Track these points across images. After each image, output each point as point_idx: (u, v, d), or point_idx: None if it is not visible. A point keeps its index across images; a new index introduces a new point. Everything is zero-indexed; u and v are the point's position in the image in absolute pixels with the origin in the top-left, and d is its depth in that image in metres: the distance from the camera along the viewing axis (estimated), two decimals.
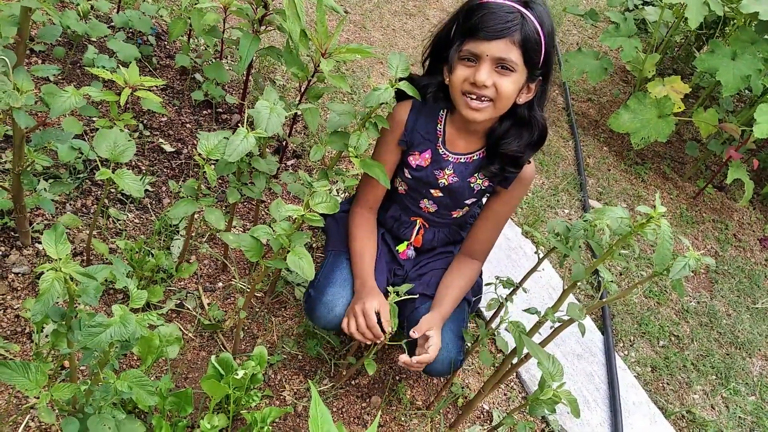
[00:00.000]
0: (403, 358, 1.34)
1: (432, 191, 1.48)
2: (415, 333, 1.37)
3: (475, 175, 1.45)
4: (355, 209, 1.56)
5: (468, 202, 1.51)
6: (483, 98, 1.27)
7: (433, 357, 1.35)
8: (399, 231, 1.58)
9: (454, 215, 1.54)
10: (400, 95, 1.44)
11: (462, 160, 1.43)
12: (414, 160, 1.46)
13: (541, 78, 1.32)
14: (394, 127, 1.44)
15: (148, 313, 0.98)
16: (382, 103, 1.39)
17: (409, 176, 1.49)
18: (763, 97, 2.75)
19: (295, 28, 1.64)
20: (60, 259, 0.94)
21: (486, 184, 1.46)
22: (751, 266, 2.62)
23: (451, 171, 1.44)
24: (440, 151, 1.43)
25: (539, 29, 1.25)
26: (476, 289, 1.63)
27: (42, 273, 0.92)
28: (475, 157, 1.43)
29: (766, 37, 2.67)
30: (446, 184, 1.45)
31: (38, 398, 1.00)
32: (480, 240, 1.54)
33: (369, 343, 1.36)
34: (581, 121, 3.22)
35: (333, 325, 1.42)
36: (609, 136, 3.17)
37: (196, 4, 1.97)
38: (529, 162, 1.44)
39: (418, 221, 1.56)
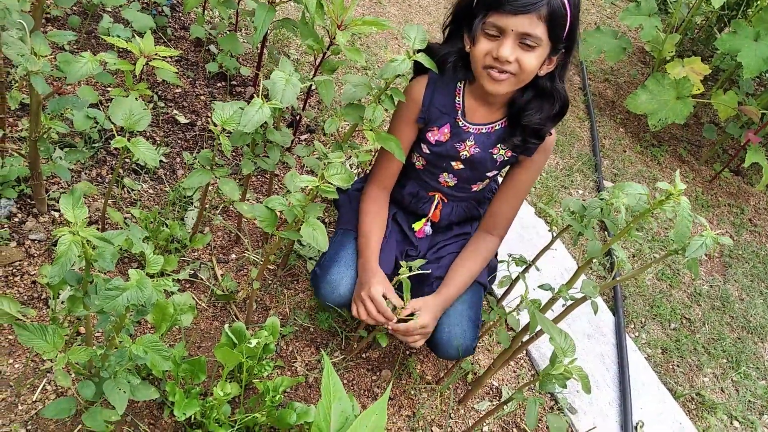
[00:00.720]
0: (391, 324, 1.35)
1: (453, 164, 1.46)
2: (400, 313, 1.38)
3: (498, 145, 1.43)
4: (368, 188, 1.54)
5: (489, 174, 1.49)
6: (504, 71, 1.25)
7: (410, 331, 1.34)
8: (417, 207, 1.56)
9: (474, 189, 1.52)
10: (416, 70, 1.42)
11: (483, 131, 1.42)
12: (433, 136, 1.44)
13: (563, 50, 1.30)
14: (411, 105, 1.42)
15: (164, 279, 0.99)
16: (399, 75, 1.38)
17: (428, 151, 1.47)
18: None
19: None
20: (77, 223, 0.94)
21: (508, 154, 1.44)
22: (766, 251, 2.59)
23: (473, 142, 1.42)
24: (460, 123, 1.41)
25: (566, 2, 1.21)
26: (491, 268, 1.63)
27: (59, 238, 0.92)
28: (497, 127, 1.42)
29: None
30: (468, 155, 1.44)
31: (55, 361, 1.01)
32: (501, 212, 1.51)
33: (381, 326, 1.36)
34: (598, 102, 3.18)
35: (337, 304, 1.43)
36: (625, 117, 3.13)
37: None
38: (551, 133, 1.42)
39: (436, 196, 1.54)
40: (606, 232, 2.34)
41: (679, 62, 2.88)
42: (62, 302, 1.40)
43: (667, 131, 3.13)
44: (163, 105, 2.03)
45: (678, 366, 1.96)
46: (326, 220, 1.93)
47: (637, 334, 2.02)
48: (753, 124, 2.76)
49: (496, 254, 1.67)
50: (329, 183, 1.23)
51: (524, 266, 1.60)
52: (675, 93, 2.76)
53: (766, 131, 2.72)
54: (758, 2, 3.17)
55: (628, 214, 1.20)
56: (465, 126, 1.41)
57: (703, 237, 1.16)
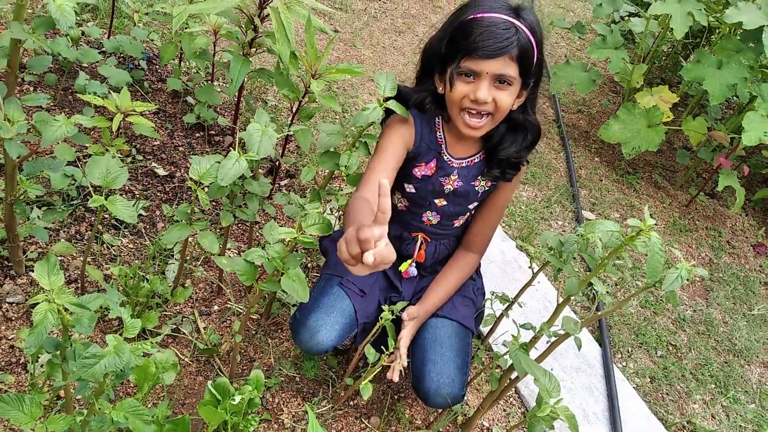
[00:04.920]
0: (392, 376, 1.41)
1: (436, 201, 1.48)
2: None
3: (479, 177, 1.46)
4: (353, 196, 1.48)
5: (471, 206, 1.52)
6: (482, 113, 1.29)
7: (403, 353, 1.43)
8: (401, 248, 1.57)
9: (456, 224, 1.55)
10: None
11: (464, 164, 1.45)
12: (420, 171, 1.45)
13: (532, 83, 1.34)
14: (407, 128, 1.41)
15: (143, 342, 0.98)
16: (372, 123, 1.40)
17: (413, 189, 1.48)
18: (749, 104, 2.78)
19: (285, 51, 1.66)
20: (53, 290, 0.94)
21: (488, 185, 1.49)
22: (746, 273, 2.63)
23: (456, 176, 1.45)
24: (445, 158, 1.44)
25: (532, 40, 1.27)
26: (479, 312, 1.63)
27: (36, 304, 0.92)
28: (476, 160, 1.46)
29: (751, 45, 2.71)
30: (452, 189, 1.46)
31: (33, 431, 0.99)
32: (481, 232, 1.57)
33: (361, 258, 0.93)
34: (572, 133, 3.25)
35: (316, 351, 1.41)
36: (600, 147, 3.20)
37: (186, 28, 1.99)
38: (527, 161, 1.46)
39: (419, 236, 1.56)
40: (585, 264, 2.36)
41: (648, 91, 2.96)
42: (41, 366, 1.38)
43: (641, 158, 3.19)
44: (141, 158, 2.04)
45: (667, 394, 1.96)
46: (309, 264, 1.93)
47: (624, 363, 2.02)
48: (724, 149, 2.83)
49: (483, 293, 1.68)
50: (307, 234, 1.23)
51: (507, 304, 1.61)
52: (646, 121, 2.82)
53: (737, 155, 2.79)
54: (720, 29, 3.28)
55: (605, 248, 1.23)
56: (450, 160, 1.44)
57: (678, 269, 1.18)
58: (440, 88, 1.36)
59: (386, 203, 0.86)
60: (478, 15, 1.26)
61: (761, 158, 3.11)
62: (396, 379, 1.40)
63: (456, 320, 1.52)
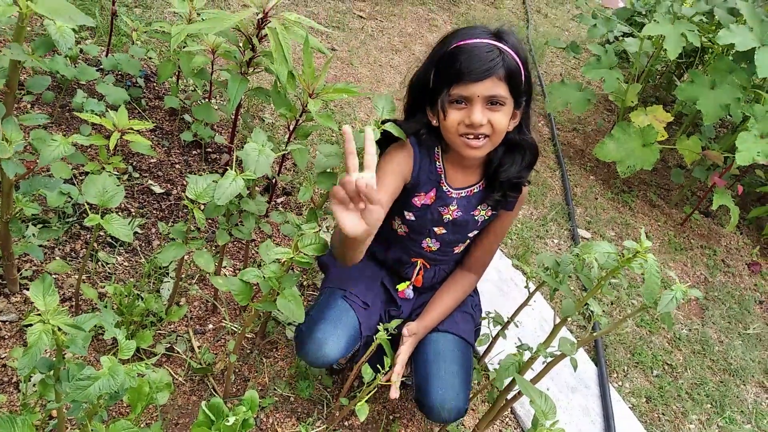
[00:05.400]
0: (393, 394, 1.39)
1: (435, 229, 1.48)
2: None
3: (479, 207, 1.46)
4: None
5: (471, 235, 1.52)
6: (480, 136, 1.30)
7: (400, 370, 1.43)
8: (400, 270, 1.58)
9: (456, 251, 1.54)
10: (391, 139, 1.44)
11: (463, 194, 1.45)
12: (419, 200, 1.45)
13: (524, 102, 1.35)
14: (405, 158, 1.41)
15: (137, 364, 0.98)
16: None
17: (412, 218, 1.47)
18: (743, 124, 2.80)
19: (283, 71, 1.67)
20: (48, 311, 0.93)
21: (489, 213, 1.48)
22: (741, 291, 2.63)
23: (455, 207, 1.45)
24: (444, 188, 1.44)
25: (517, 59, 1.29)
26: (477, 327, 1.63)
27: (30, 324, 0.91)
28: (475, 190, 1.45)
29: (743, 65, 2.74)
30: (451, 218, 1.46)
31: None
32: (480, 256, 1.57)
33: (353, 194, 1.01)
34: (567, 151, 3.27)
35: (321, 363, 1.41)
36: (595, 165, 3.22)
37: (184, 46, 2.00)
38: (527, 182, 1.47)
39: (419, 262, 1.55)
40: (581, 283, 2.36)
41: (642, 111, 2.99)
42: (34, 386, 1.36)
43: (636, 177, 3.21)
44: (138, 175, 2.04)
45: (663, 414, 1.95)
46: (304, 283, 1.93)
47: (620, 383, 2.02)
48: (718, 168, 2.85)
49: (480, 309, 1.68)
50: (304, 254, 1.23)
51: (502, 325, 1.61)
52: (641, 141, 2.85)
53: (731, 173, 2.81)
54: (713, 49, 3.32)
55: (601, 269, 1.23)
56: (449, 191, 1.44)
57: (672, 291, 1.18)
58: (434, 121, 1.37)
59: (351, 146, 1.06)
60: (461, 43, 1.28)
61: (755, 177, 3.13)
62: (395, 395, 1.38)
63: (458, 335, 1.52)
